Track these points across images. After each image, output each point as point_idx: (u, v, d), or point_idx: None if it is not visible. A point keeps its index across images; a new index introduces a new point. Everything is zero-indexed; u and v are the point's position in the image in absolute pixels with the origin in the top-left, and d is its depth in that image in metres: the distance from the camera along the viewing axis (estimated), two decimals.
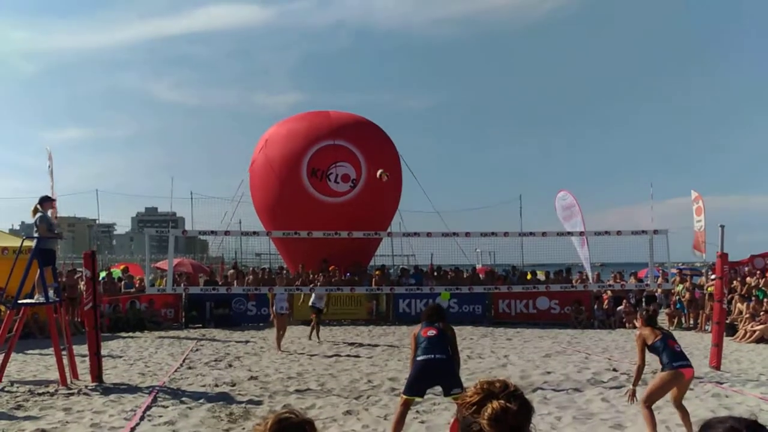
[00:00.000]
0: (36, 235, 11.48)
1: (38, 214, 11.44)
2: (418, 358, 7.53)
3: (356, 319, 22.59)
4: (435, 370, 7.45)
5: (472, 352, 15.38)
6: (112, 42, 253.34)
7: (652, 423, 7.61)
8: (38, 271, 11.40)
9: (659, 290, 22.94)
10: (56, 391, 10.70)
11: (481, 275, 26.11)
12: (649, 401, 7.77)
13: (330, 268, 23.36)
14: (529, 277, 25.73)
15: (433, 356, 7.41)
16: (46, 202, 11.80)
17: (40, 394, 10.39)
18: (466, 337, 18.21)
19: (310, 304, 18.67)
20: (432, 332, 7.60)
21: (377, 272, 24.64)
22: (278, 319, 16.03)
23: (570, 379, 11.80)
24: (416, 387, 7.55)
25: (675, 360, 7.79)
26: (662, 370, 7.83)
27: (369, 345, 17.05)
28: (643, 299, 23.23)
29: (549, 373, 12.39)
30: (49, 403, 9.85)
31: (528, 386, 11.01)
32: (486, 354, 15.26)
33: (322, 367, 13.32)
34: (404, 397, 7.60)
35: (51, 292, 11.45)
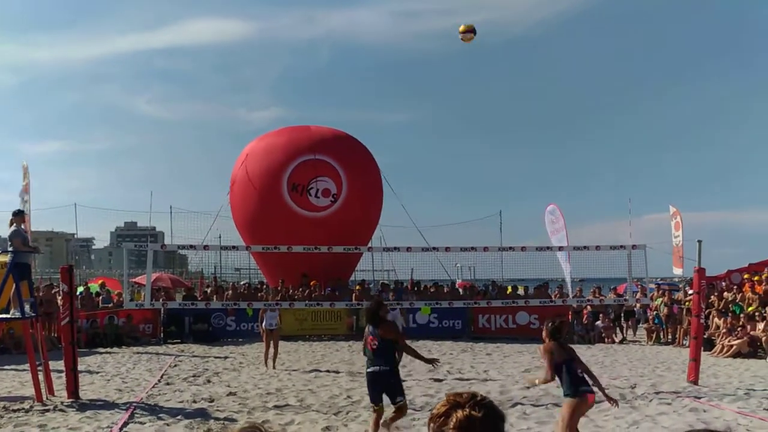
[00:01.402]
0: (10, 249, 11.36)
1: (12, 228, 11.33)
2: (366, 370, 8.54)
3: (336, 335, 22.51)
4: (379, 380, 8.34)
5: (452, 368, 15.37)
6: (92, 56, 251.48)
7: None
8: (14, 285, 11.27)
9: (638, 305, 23.10)
10: (31, 407, 10.55)
11: (460, 290, 26.14)
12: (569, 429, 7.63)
13: (311, 284, 23.30)
14: (509, 291, 25.79)
15: (377, 368, 8.31)
16: (18, 216, 11.67)
17: (15, 411, 10.25)
18: (445, 352, 18.20)
19: None
20: (375, 344, 8.33)
21: (358, 287, 24.60)
22: (268, 335, 15.76)
23: (549, 394, 11.80)
24: (372, 396, 8.53)
25: (579, 385, 7.67)
26: (567, 395, 7.68)
27: (348, 360, 16.99)
28: (622, 314, 23.39)
29: (528, 388, 12.40)
30: (24, 419, 9.72)
31: (507, 401, 11.03)
32: (466, 369, 15.26)
33: (302, 383, 13.25)
34: (372, 405, 8.55)
35: (27, 307, 11.33)
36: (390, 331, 8.51)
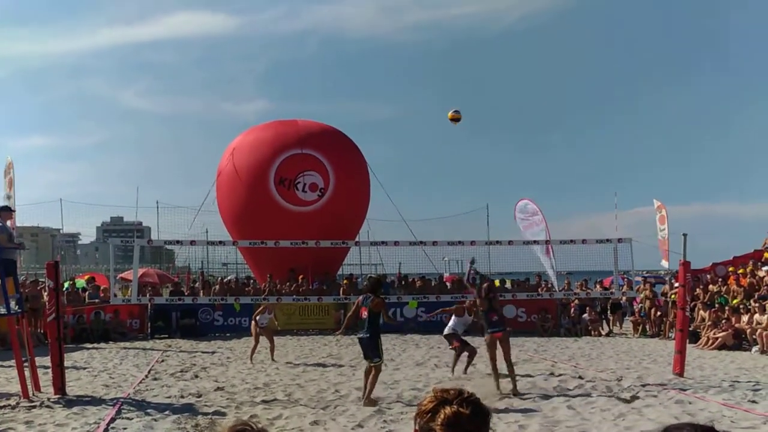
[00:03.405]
0: None
1: None
2: (357, 335, 11.10)
3: (324, 329, 22.51)
4: (363, 345, 10.81)
5: (439, 361, 15.42)
6: (78, 49, 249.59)
7: (494, 367, 11.30)
8: None
9: (623, 298, 23.23)
10: (18, 404, 10.50)
11: (448, 284, 26.17)
12: (490, 359, 11.35)
13: (299, 278, 23.28)
14: (497, 284, 25.83)
15: (362, 335, 10.75)
16: (4, 212, 11.60)
17: (0, 408, 10.20)
18: (433, 346, 18.26)
19: (445, 332, 14.05)
20: (364, 314, 10.69)
21: (345, 281, 24.60)
22: (258, 332, 15.76)
23: (536, 386, 11.90)
24: (364, 355, 10.95)
25: (489, 327, 11.27)
26: (484, 334, 11.45)
27: (336, 355, 17.01)
28: (609, 307, 23.51)
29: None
30: (11, 416, 9.67)
31: (494, 394, 11.07)
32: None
33: (290, 378, 13.25)
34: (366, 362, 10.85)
35: (13, 303, 11.26)
36: (379, 305, 10.68)
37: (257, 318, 15.87)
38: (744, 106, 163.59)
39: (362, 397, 10.55)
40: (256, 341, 15.72)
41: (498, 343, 11.27)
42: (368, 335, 10.59)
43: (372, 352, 10.60)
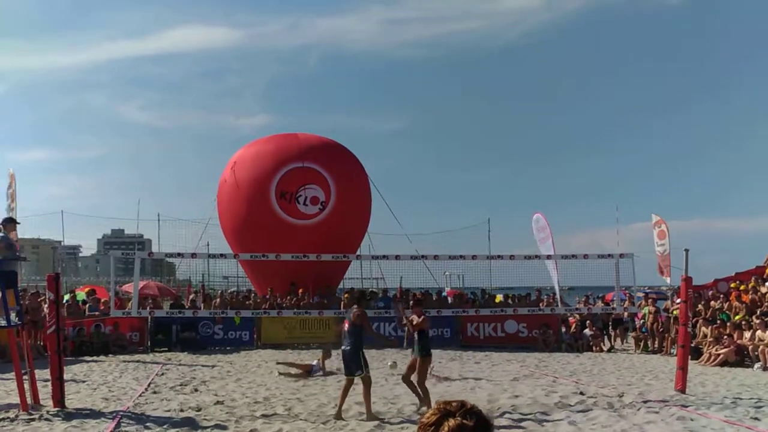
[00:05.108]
0: None
1: None
2: (341, 348, 10.80)
3: (324, 343, 22.41)
4: (345, 356, 10.64)
5: (440, 375, 15.34)
6: (79, 62, 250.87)
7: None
8: None
9: (625, 313, 23.16)
10: (17, 416, 10.46)
11: (449, 298, 26.12)
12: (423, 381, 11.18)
13: (299, 291, 23.24)
14: (498, 299, 25.78)
15: (345, 347, 10.62)
16: (9, 224, 11.61)
17: (0, 420, 10.16)
18: (434, 361, 18.16)
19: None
20: (345, 326, 10.71)
21: (346, 295, 24.55)
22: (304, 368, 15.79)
23: (537, 402, 11.82)
24: (345, 369, 10.73)
25: (424, 351, 11.26)
26: (423, 355, 11.14)
27: (338, 369, 16.94)
28: (610, 322, 23.45)
29: (517, 396, 12.41)
30: (10, 428, 9.64)
31: (496, 410, 11.02)
32: (454, 377, 15.25)
33: (290, 392, 13.20)
34: (346, 377, 10.69)
35: (13, 315, 11.24)
36: (358, 318, 10.60)
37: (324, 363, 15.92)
38: (748, 124, 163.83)
39: (336, 413, 10.44)
40: (297, 367, 15.68)
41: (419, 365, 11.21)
42: (349, 347, 10.52)
43: (354, 364, 10.49)
